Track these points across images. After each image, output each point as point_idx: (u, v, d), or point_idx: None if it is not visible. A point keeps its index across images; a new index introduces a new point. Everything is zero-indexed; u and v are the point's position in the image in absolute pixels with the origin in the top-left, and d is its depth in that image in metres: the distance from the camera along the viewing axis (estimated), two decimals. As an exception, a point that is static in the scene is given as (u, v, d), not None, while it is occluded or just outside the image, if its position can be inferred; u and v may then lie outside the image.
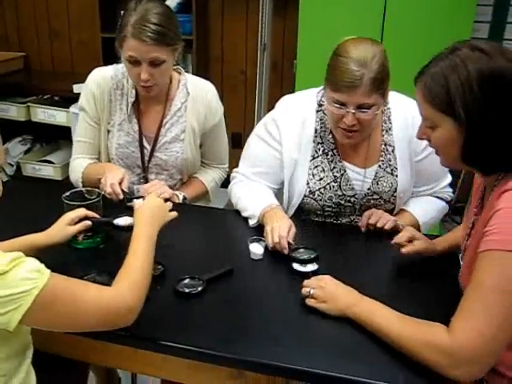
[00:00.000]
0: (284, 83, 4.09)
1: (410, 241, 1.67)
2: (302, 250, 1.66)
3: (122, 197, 1.86)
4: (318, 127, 1.94)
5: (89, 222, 1.65)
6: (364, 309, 1.36)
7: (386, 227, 1.83)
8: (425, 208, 2.02)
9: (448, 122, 1.27)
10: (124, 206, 1.83)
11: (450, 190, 2.09)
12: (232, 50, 4.19)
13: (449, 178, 2.07)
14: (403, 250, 1.64)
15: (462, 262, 1.53)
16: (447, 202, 2.09)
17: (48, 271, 1.14)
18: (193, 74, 2.29)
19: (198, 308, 1.46)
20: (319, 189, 1.96)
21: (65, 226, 1.61)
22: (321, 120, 1.94)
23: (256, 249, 1.70)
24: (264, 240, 1.71)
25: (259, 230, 1.84)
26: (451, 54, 1.26)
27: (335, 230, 1.97)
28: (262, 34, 3.80)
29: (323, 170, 1.95)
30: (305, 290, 1.45)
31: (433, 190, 2.04)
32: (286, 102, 2.02)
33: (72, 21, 4.36)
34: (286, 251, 1.65)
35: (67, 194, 1.74)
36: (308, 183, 1.95)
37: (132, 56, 1.92)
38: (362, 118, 1.75)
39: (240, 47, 4.16)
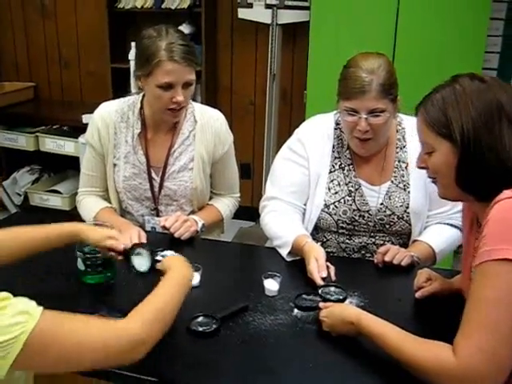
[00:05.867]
0: (293, 113, 4.09)
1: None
2: (332, 288, 1.62)
3: None
4: (336, 143, 2.04)
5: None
6: (373, 321, 1.36)
7: (403, 263, 1.81)
8: (439, 236, 2.00)
9: (444, 146, 1.31)
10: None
11: None
12: (241, 80, 4.20)
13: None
14: (417, 295, 1.62)
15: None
16: (462, 231, 2.05)
17: (38, 311, 1.05)
18: (202, 104, 2.28)
19: (212, 347, 1.41)
20: (334, 202, 1.99)
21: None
22: (338, 137, 2.04)
23: (271, 285, 1.65)
24: (279, 276, 1.66)
25: (273, 266, 1.81)
26: (452, 82, 1.33)
27: (352, 265, 1.94)
28: (272, 63, 3.82)
29: (339, 184, 2.00)
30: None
31: (446, 213, 2.02)
32: (306, 123, 2.13)
33: (82, 51, 4.40)
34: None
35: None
36: (324, 196, 1.99)
37: (168, 82, 1.91)
38: (374, 123, 1.83)
39: (249, 77, 4.17)
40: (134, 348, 1.14)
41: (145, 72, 1.95)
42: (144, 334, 1.16)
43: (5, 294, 1.04)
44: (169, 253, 1.86)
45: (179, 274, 1.39)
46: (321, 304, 1.51)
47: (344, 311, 1.44)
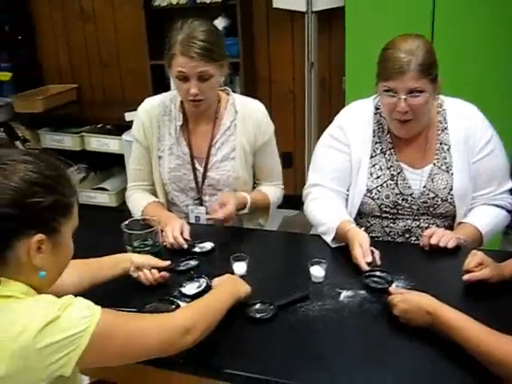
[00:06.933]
0: (333, 100, 4.06)
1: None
2: (377, 272, 1.65)
3: (186, 246, 1.88)
4: (376, 128, 2.04)
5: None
6: (452, 314, 1.34)
7: (449, 246, 1.80)
8: (485, 217, 1.98)
9: None
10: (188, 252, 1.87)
11: (511, 197, 2.05)
12: (279, 70, 4.20)
13: (509, 184, 2.05)
14: (464, 278, 1.58)
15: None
16: (508, 212, 2.05)
17: (99, 307, 1.14)
18: (241, 95, 2.30)
19: (260, 334, 1.44)
20: (376, 187, 2.00)
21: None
22: (378, 122, 2.04)
23: (317, 271, 1.66)
24: (325, 262, 1.68)
25: (319, 252, 1.83)
26: None
27: (397, 249, 1.93)
28: (309, 52, 3.80)
29: (381, 169, 2.00)
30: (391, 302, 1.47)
31: (492, 194, 2.01)
32: (346, 109, 2.14)
33: (121, 50, 4.48)
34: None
35: (126, 222, 1.76)
36: (366, 181, 2.00)
37: (181, 71, 1.97)
38: (414, 103, 1.83)
39: (287, 67, 4.16)
40: (183, 335, 1.23)
41: (166, 63, 2.03)
42: (191, 323, 1.25)
43: (68, 296, 1.13)
44: (208, 245, 1.91)
45: (231, 285, 1.49)
46: (391, 289, 1.52)
47: (422, 299, 1.41)
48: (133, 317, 1.23)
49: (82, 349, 1.07)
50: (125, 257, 1.66)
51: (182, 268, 1.75)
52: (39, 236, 1.13)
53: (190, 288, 1.64)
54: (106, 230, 1.93)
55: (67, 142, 4.21)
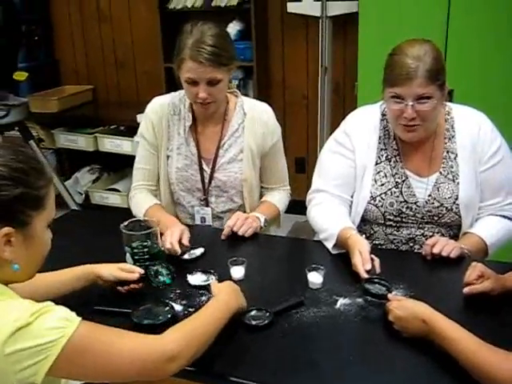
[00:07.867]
0: (346, 106, 4.03)
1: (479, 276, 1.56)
2: (376, 280, 1.61)
3: (180, 252, 1.83)
4: (382, 134, 2.01)
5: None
6: (448, 324, 1.32)
7: (452, 255, 1.76)
8: (491, 227, 1.95)
9: None
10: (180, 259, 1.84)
11: None
12: (293, 75, 4.19)
13: None
14: (465, 291, 1.55)
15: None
16: None
17: (78, 319, 1.09)
18: (254, 99, 2.30)
19: (255, 340, 1.43)
20: (380, 194, 1.97)
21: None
22: (384, 128, 2.01)
23: (314, 278, 1.65)
24: (322, 268, 1.66)
25: (319, 259, 1.81)
26: None
27: (399, 257, 1.91)
28: (323, 57, 3.79)
29: (385, 176, 1.98)
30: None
31: (499, 204, 1.97)
32: (352, 114, 2.11)
33: (137, 52, 4.51)
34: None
35: (125, 223, 1.76)
36: (371, 188, 1.98)
37: (190, 77, 1.98)
38: (421, 109, 1.80)
39: (301, 71, 4.15)
40: (168, 362, 1.16)
41: (175, 66, 2.03)
42: (177, 351, 1.17)
43: (48, 302, 1.10)
44: (198, 251, 1.89)
45: (229, 297, 1.43)
46: (390, 295, 1.51)
47: (419, 308, 1.39)
48: (116, 334, 1.15)
49: (53, 359, 1.03)
50: (89, 269, 1.57)
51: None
52: (6, 229, 1.11)
53: (196, 279, 1.68)
54: (113, 230, 1.91)
55: (81, 142, 4.24)
